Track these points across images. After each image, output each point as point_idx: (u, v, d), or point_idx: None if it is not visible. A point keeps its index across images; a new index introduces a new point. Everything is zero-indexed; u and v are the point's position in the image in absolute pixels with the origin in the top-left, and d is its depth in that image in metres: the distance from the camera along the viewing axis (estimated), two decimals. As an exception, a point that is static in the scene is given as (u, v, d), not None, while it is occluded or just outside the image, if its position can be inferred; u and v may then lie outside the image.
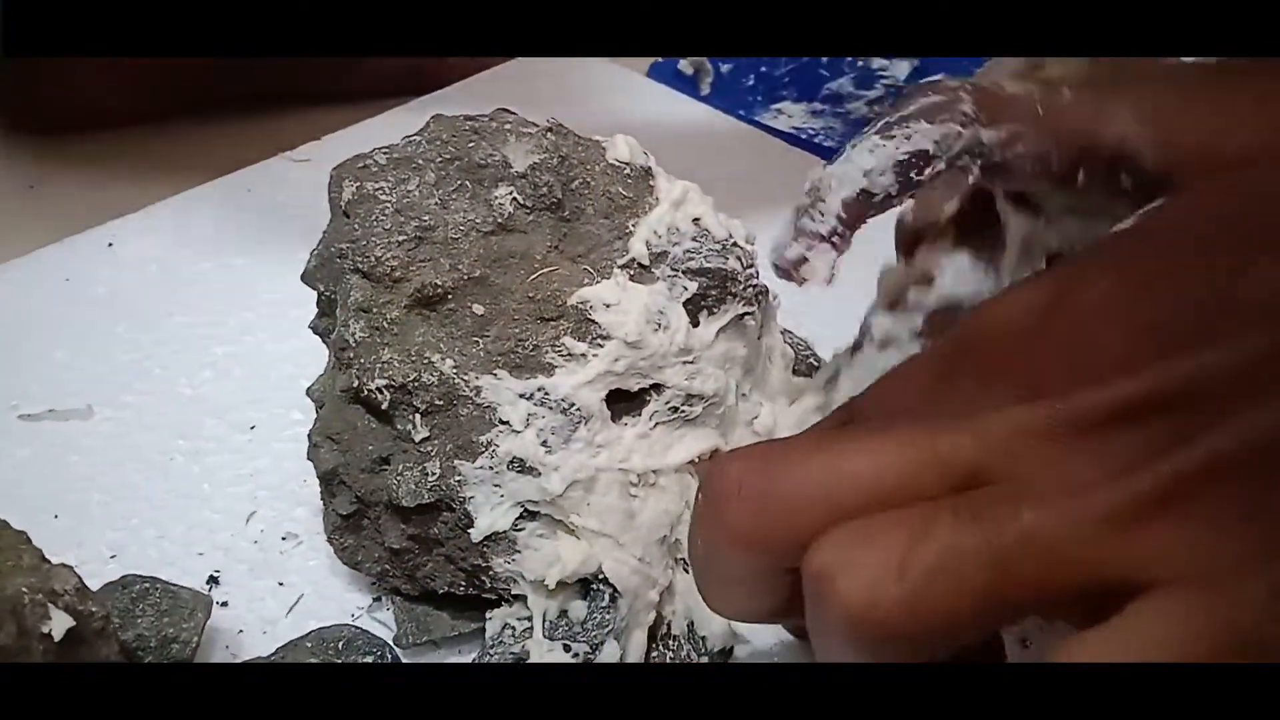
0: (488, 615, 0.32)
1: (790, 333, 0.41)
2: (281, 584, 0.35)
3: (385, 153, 0.33)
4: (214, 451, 0.40)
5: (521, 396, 0.30)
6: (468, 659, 0.33)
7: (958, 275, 0.34)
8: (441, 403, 0.30)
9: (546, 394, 0.30)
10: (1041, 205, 0.33)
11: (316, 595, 0.35)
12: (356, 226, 0.32)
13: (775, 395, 0.37)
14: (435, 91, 0.63)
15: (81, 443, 0.40)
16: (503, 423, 0.30)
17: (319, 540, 0.36)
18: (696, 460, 0.33)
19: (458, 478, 0.30)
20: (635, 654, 0.31)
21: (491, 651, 0.31)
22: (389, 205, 0.32)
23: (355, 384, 0.31)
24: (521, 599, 0.31)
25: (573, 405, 0.31)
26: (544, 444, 0.30)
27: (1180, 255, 0.23)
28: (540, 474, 0.30)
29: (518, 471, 0.30)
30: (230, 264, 0.49)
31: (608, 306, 0.31)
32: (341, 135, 0.59)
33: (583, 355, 0.31)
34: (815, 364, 0.40)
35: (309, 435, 0.33)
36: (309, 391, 0.36)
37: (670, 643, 0.32)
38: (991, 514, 0.21)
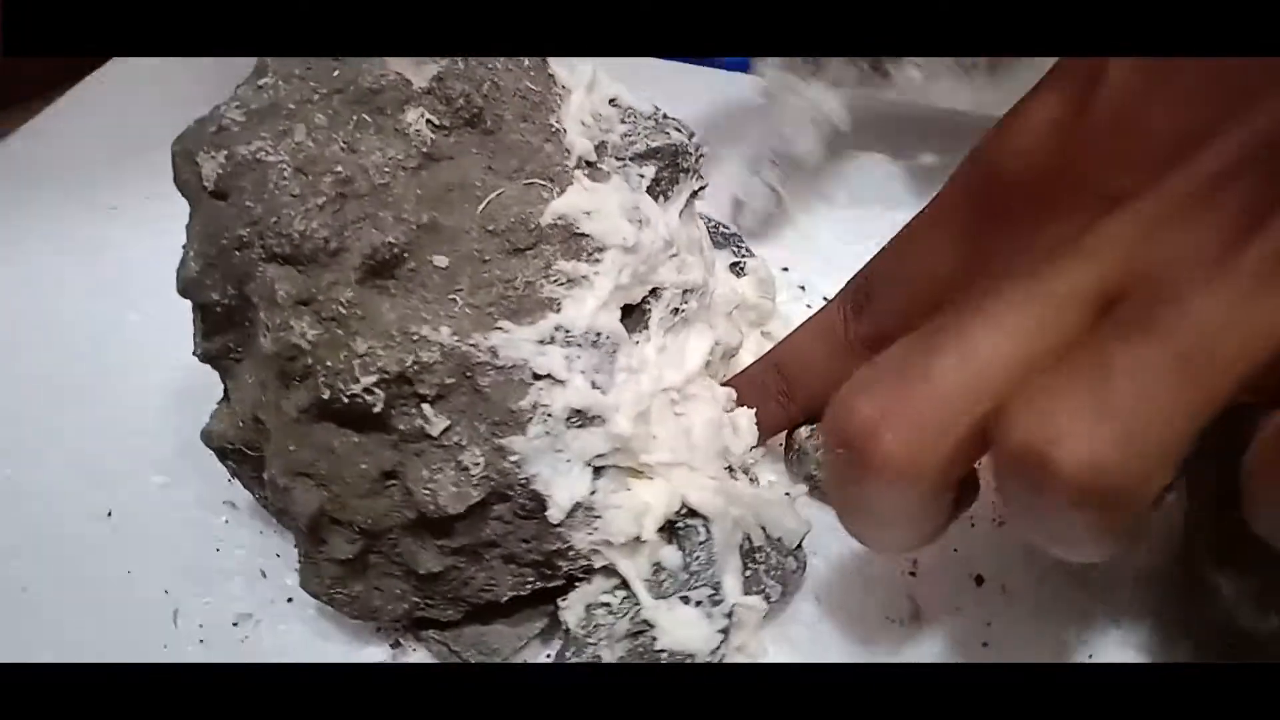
0: (560, 604, 0.27)
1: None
2: (267, 675, 0.28)
3: (238, 107, 0.26)
4: (75, 556, 0.31)
5: (542, 343, 0.25)
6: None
7: None
8: (453, 380, 0.25)
9: (568, 331, 0.25)
10: None
11: (318, 670, 0.28)
12: (250, 203, 0.25)
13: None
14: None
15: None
16: (538, 377, 0.25)
17: (282, 608, 0.30)
18: (709, 361, 0.30)
19: (512, 458, 0.24)
20: (736, 580, 0.27)
21: (590, 641, 0.26)
22: (284, 165, 0.25)
23: (326, 395, 0.24)
24: (600, 571, 0.27)
25: (599, 334, 0.26)
26: (594, 386, 0.25)
27: None
28: (605, 420, 0.25)
29: (579, 426, 0.25)
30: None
31: (588, 215, 0.27)
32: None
33: (584, 277, 0.26)
34: (727, 230, 0.37)
35: (271, 480, 0.26)
36: (208, 436, 0.28)
37: (759, 555, 0.28)
38: (1156, 322, 0.19)
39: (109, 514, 0.32)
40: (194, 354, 0.27)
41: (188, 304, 0.36)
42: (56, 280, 0.40)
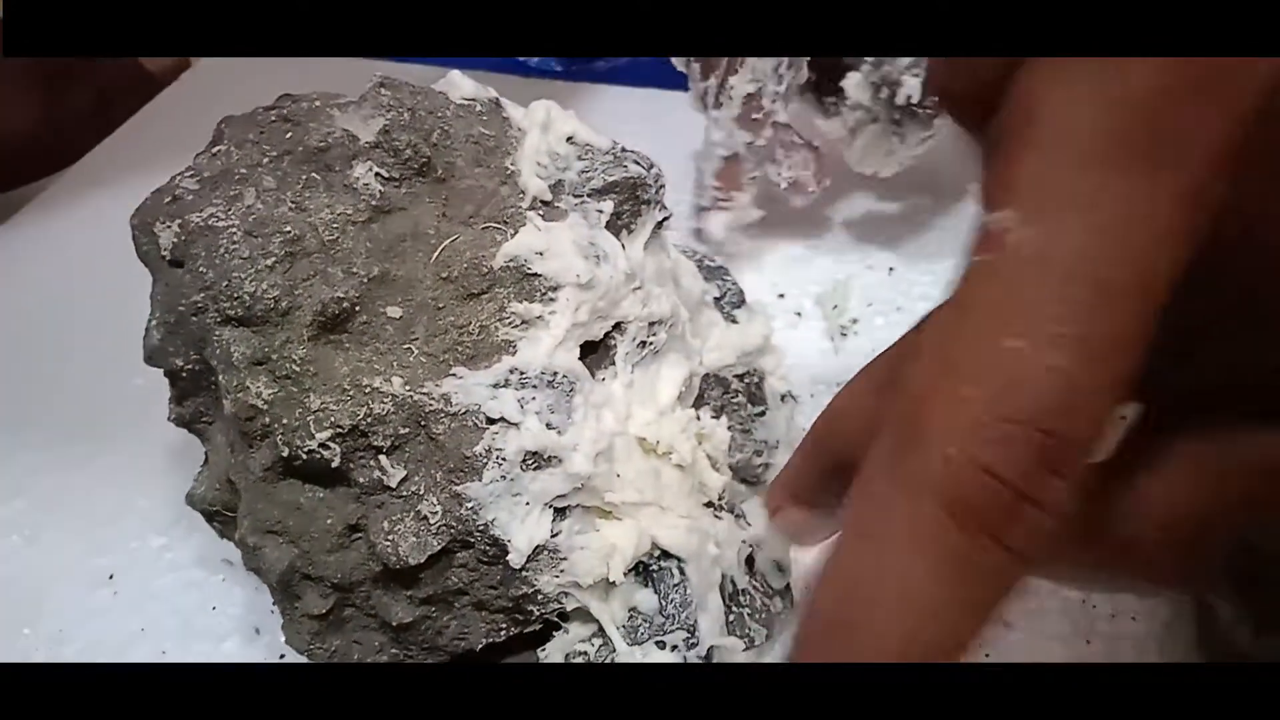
0: (539, 654, 0.27)
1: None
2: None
3: (192, 175, 0.27)
4: (80, 621, 0.31)
5: (496, 386, 0.25)
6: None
7: None
8: (407, 430, 0.25)
9: (523, 373, 0.25)
10: None
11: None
12: (204, 269, 0.25)
13: (695, 307, 0.34)
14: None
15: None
16: (492, 421, 0.25)
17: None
18: (682, 392, 0.29)
19: (469, 505, 0.24)
20: (715, 621, 0.27)
21: (568, 687, 0.26)
22: (235, 230, 0.25)
23: (286, 452, 0.24)
24: (577, 615, 0.26)
25: (555, 374, 0.26)
26: (549, 426, 0.25)
27: None
28: (562, 460, 0.25)
29: (535, 468, 0.25)
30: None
31: (541, 255, 0.26)
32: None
33: (539, 318, 0.26)
34: (712, 263, 0.37)
35: (239, 540, 0.26)
36: (191, 500, 0.29)
37: (743, 599, 0.28)
38: None
39: (110, 577, 0.32)
40: (169, 419, 0.28)
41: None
42: (62, 346, 0.41)
